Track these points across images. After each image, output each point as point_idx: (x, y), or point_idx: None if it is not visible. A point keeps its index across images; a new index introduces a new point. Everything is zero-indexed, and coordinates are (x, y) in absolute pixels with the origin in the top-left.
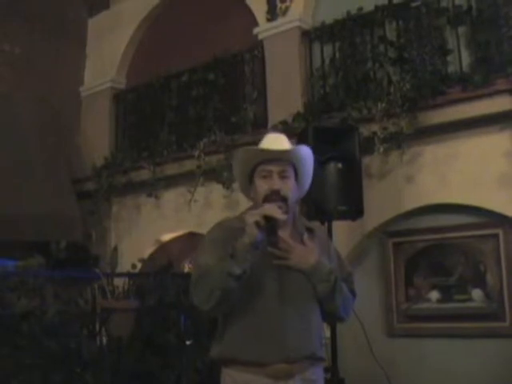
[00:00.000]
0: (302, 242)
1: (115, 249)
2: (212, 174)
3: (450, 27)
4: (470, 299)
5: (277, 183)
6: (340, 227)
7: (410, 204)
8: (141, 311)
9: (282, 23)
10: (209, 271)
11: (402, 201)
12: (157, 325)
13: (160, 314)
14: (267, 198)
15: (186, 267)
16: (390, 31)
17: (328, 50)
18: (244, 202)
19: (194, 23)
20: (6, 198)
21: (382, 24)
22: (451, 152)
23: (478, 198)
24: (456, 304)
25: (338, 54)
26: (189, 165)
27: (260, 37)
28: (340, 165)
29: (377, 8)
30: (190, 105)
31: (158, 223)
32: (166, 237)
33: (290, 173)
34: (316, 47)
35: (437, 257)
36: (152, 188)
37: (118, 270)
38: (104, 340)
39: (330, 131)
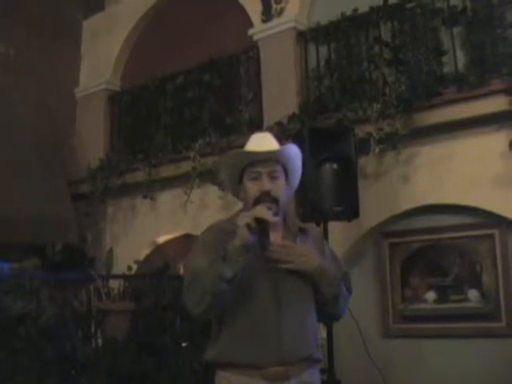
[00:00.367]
0: (296, 242)
1: (110, 251)
2: (208, 176)
3: (445, 28)
4: (466, 299)
5: (266, 184)
6: (336, 228)
7: (406, 204)
8: (136, 313)
9: (277, 24)
10: (200, 274)
11: (398, 201)
12: (152, 326)
13: (156, 316)
14: (258, 200)
15: (182, 269)
16: (385, 32)
17: (323, 50)
18: (240, 204)
19: (189, 25)
20: (1, 199)
21: (377, 25)
22: (447, 152)
23: (474, 198)
24: (452, 304)
25: (333, 55)
26: (184, 166)
27: (255, 38)
28: (335, 165)
29: (372, 9)
30: (185, 106)
31: (153, 225)
32: (162, 238)
33: (280, 173)
34: (311, 48)
35: (433, 257)
36: (147, 190)
37: (114, 271)
38: (99, 342)
39: (325, 132)
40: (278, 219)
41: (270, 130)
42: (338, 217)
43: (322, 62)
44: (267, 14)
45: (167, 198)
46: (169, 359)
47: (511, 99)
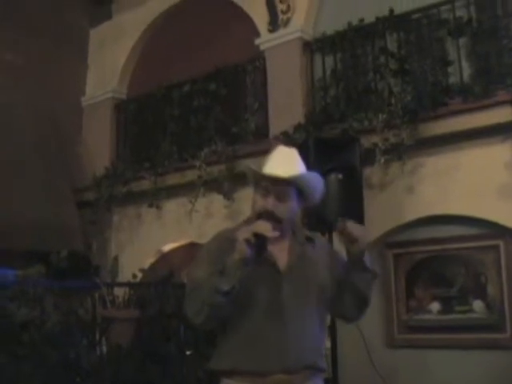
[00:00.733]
0: (303, 252)
1: (116, 258)
2: (213, 185)
3: (450, 39)
4: (471, 310)
5: (271, 204)
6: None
7: (411, 215)
8: (141, 321)
9: (284, 34)
10: (200, 285)
11: (403, 212)
12: (157, 335)
13: (160, 324)
14: (260, 216)
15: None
16: (391, 42)
17: (329, 61)
18: (245, 213)
19: (196, 34)
20: (6, 206)
21: (383, 35)
22: (452, 163)
23: (479, 209)
24: (457, 315)
25: (339, 65)
26: (190, 175)
27: (261, 47)
28: (341, 176)
29: (378, 19)
30: (191, 115)
31: (158, 233)
32: (167, 247)
33: (289, 195)
34: (317, 58)
35: (437, 268)
36: (153, 198)
37: (119, 279)
38: (104, 350)
39: (330, 142)
40: (277, 235)
41: (275, 139)
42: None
43: (328, 72)
44: (274, 24)
45: (173, 207)
46: (173, 367)
47: None
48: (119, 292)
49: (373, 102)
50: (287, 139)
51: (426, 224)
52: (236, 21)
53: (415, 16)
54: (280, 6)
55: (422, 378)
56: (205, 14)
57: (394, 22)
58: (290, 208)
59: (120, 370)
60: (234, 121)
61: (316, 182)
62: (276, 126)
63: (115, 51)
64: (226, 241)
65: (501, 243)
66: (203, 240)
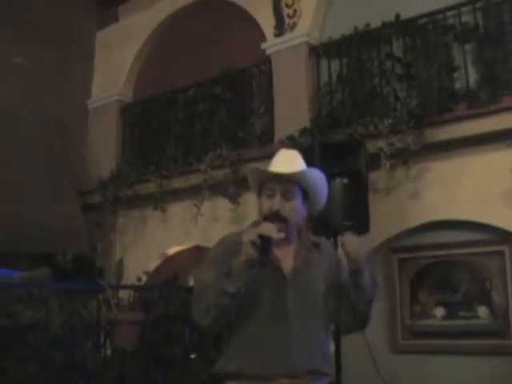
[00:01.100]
0: (309, 257)
1: (121, 261)
2: (218, 188)
3: (456, 44)
4: (476, 316)
5: (277, 204)
6: None
7: (416, 220)
8: (145, 324)
9: (290, 38)
10: (206, 288)
11: (408, 217)
12: (161, 338)
13: (165, 327)
14: (267, 218)
15: (192, 281)
16: (397, 48)
17: (335, 65)
18: (250, 216)
19: (202, 37)
20: (12, 209)
21: (389, 40)
22: (457, 168)
23: (484, 214)
24: (461, 321)
25: (345, 70)
26: (195, 179)
27: (268, 52)
28: (346, 180)
29: (384, 24)
30: (196, 119)
31: (163, 236)
32: (172, 250)
33: (295, 193)
34: (323, 63)
35: (442, 273)
36: (158, 201)
37: (123, 282)
38: (108, 352)
39: (336, 147)
40: (283, 236)
41: (281, 143)
42: (347, 231)
43: (334, 77)
44: (280, 29)
45: (178, 210)
46: (177, 370)
47: None
48: (124, 295)
49: (378, 106)
50: (293, 143)
51: (431, 229)
52: (242, 25)
53: (421, 21)
54: (286, 11)
55: None
56: (211, 18)
57: (400, 27)
58: (296, 207)
59: (124, 372)
60: (240, 125)
61: (319, 178)
62: (281, 130)
63: (121, 54)
64: (232, 244)
65: (506, 249)
66: (208, 243)
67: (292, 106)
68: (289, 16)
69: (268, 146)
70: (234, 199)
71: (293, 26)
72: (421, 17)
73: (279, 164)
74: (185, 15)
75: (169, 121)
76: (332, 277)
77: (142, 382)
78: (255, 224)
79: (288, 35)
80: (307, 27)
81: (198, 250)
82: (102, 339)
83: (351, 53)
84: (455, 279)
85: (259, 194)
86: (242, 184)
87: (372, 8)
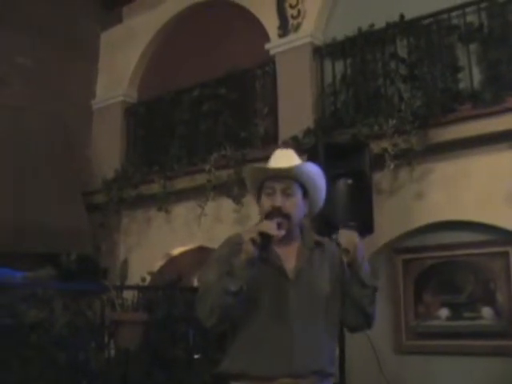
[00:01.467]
0: (311, 256)
1: (125, 261)
2: (222, 189)
3: (461, 45)
4: (480, 317)
5: (278, 200)
6: None
7: (420, 221)
8: (149, 324)
9: (294, 39)
10: (209, 288)
11: (412, 217)
12: (165, 338)
13: (168, 328)
14: (268, 215)
15: (196, 281)
16: (401, 48)
17: (339, 66)
18: (254, 217)
19: (206, 38)
20: (16, 209)
21: (393, 41)
22: (461, 169)
23: (488, 215)
24: (465, 322)
25: (349, 71)
26: (199, 179)
27: (271, 52)
28: (350, 181)
29: (388, 25)
30: (200, 119)
31: (167, 237)
32: (176, 251)
33: (295, 190)
34: (327, 63)
35: (446, 274)
36: (162, 202)
37: (127, 282)
38: (112, 352)
39: (340, 147)
40: (283, 233)
41: (284, 144)
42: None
43: (338, 77)
44: (284, 29)
45: (182, 211)
46: (180, 371)
47: None
48: (128, 295)
49: (382, 107)
50: (296, 144)
51: (434, 230)
52: (246, 25)
53: (425, 22)
54: (290, 11)
55: None
56: (215, 19)
57: (404, 27)
58: (297, 203)
59: (128, 373)
60: (244, 125)
61: (317, 173)
62: (285, 131)
63: (126, 55)
64: (236, 245)
65: (510, 250)
66: (212, 244)
67: (296, 106)
68: (293, 17)
69: (272, 146)
70: (237, 200)
71: (297, 27)
72: (425, 17)
73: (276, 162)
74: (189, 16)
75: (173, 121)
76: (336, 277)
77: (146, 383)
78: (256, 224)
79: (292, 36)
80: (311, 28)
81: (201, 250)
82: (105, 339)
83: (355, 53)
84: (459, 280)
85: (258, 197)
86: (245, 185)
87: (376, 8)
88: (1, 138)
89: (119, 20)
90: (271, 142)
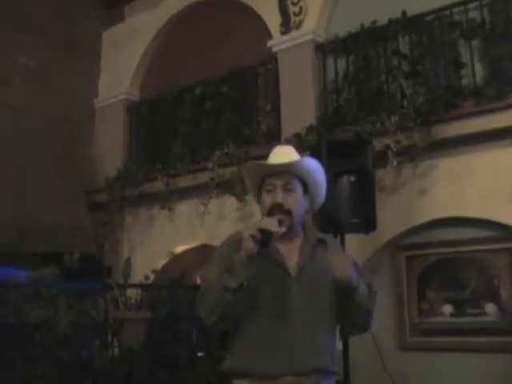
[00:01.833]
0: (314, 253)
1: (129, 260)
2: (225, 187)
3: (463, 41)
4: (484, 313)
5: (279, 197)
6: (352, 240)
7: (423, 217)
8: (153, 322)
9: (296, 36)
10: (210, 286)
11: (415, 214)
12: (168, 336)
13: (172, 326)
14: (270, 212)
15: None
16: (404, 44)
17: (341, 63)
18: (257, 215)
19: (208, 36)
20: (19, 209)
21: (395, 37)
22: (464, 165)
23: (492, 211)
24: (469, 318)
25: (351, 67)
26: (202, 177)
27: (274, 49)
28: (353, 178)
29: (390, 21)
30: (203, 117)
31: (171, 235)
32: (179, 249)
33: (295, 185)
34: (330, 60)
35: (450, 271)
36: (165, 200)
37: (131, 281)
38: (116, 351)
39: (343, 144)
40: (284, 230)
41: (287, 141)
42: (354, 229)
43: (341, 74)
44: (286, 26)
45: (185, 209)
46: (184, 369)
47: None
48: (131, 293)
49: (385, 104)
50: (299, 141)
51: (438, 226)
52: (248, 23)
53: (428, 18)
54: (292, 8)
55: (434, 381)
56: (217, 16)
57: (406, 23)
58: (298, 199)
59: (131, 371)
60: (246, 123)
61: (317, 168)
62: (288, 128)
63: (128, 53)
64: (236, 243)
65: None
66: (215, 242)
67: (298, 103)
68: (295, 14)
69: (275, 144)
70: (241, 197)
71: (299, 24)
72: (427, 13)
73: (276, 158)
74: (191, 14)
75: (175, 119)
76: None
77: (149, 381)
78: None
79: (294, 33)
80: (313, 25)
81: (204, 248)
82: (109, 338)
83: (357, 50)
84: (463, 276)
85: (259, 196)
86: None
87: (378, 5)
88: (3, 138)
89: (121, 19)
90: (274, 139)
